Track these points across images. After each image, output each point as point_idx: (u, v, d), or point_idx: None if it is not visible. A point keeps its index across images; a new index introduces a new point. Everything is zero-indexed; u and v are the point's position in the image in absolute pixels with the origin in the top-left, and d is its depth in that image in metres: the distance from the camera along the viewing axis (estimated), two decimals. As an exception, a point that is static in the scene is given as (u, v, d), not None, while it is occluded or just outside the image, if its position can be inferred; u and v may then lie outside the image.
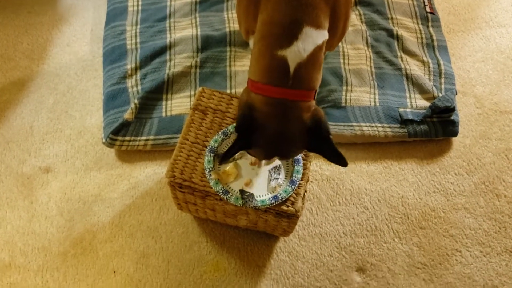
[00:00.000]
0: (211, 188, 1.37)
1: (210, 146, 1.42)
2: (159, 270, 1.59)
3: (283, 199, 1.35)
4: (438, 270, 1.62)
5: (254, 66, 1.20)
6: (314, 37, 1.16)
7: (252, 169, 1.43)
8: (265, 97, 1.15)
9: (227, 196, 1.35)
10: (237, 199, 1.35)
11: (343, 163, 1.15)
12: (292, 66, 1.13)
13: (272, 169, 1.42)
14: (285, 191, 1.36)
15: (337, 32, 1.31)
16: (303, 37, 1.14)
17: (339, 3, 1.24)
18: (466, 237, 1.69)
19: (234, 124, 1.42)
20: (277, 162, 1.44)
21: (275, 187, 1.38)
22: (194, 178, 1.40)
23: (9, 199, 1.71)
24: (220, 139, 1.44)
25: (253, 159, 1.42)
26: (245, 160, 1.44)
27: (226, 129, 1.46)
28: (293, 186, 1.37)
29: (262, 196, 1.38)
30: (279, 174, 1.41)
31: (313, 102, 1.19)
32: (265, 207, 1.35)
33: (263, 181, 1.41)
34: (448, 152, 1.86)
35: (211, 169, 1.39)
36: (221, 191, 1.36)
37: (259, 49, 1.18)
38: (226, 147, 1.45)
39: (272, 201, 1.35)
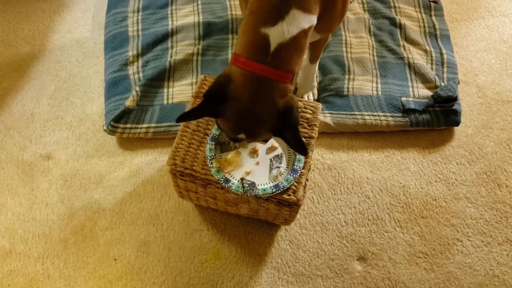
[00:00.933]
0: (212, 176, 1.37)
1: (212, 134, 1.42)
2: (159, 258, 1.59)
3: (285, 188, 1.35)
4: (439, 260, 1.62)
5: (239, 40, 1.19)
6: (300, 21, 1.15)
7: (253, 158, 1.42)
8: (242, 70, 1.14)
9: (228, 185, 1.35)
10: (238, 187, 1.35)
11: (304, 152, 1.15)
12: (273, 45, 1.13)
13: (273, 157, 1.42)
14: (287, 180, 1.36)
15: (335, 14, 1.30)
16: (289, 19, 1.13)
17: None
18: (467, 227, 1.69)
19: None
20: (279, 150, 1.43)
21: (276, 176, 1.38)
22: (196, 166, 1.40)
23: (10, 186, 1.70)
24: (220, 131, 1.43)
25: (252, 147, 1.41)
26: (246, 148, 1.44)
27: None
28: (294, 175, 1.37)
29: (264, 184, 1.38)
30: (280, 162, 1.41)
31: (291, 87, 1.18)
32: (266, 195, 1.34)
33: (264, 170, 1.41)
34: (450, 142, 1.86)
35: (212, 157, 1.38)
36: (222, 179, 1.35)
37: (246, 23, 1.18)
38: (226, 137, 1.44)
39: (274, 189, 1.35)
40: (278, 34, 1.13)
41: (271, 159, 1.42)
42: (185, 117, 1.17)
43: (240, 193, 1.34)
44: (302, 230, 1.65)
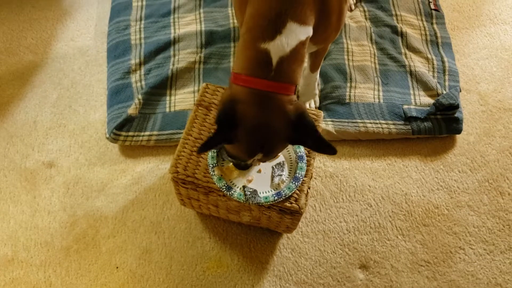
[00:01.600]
0: (214, 184, 1.37)
1: None
2: (161, 265, 1.59)
3: (287, 196, 1.35)
4: (442, 268, 1.62)
5: (238, 58, 1.19)
6: (297, 33, 1.15)
7: (255, 166, 1.43)
8: (247, 89, 1.13)
9: (230, 192, 1.35)
10: (240, 195, 1.35)
11: (332, 151, 1.14)
12: (274, 59, 1.13)
13: (275, 165, 1.42)
14: (289, 188, 1.36)
15: (330, 25, 1.30)
16: (286, 32, 1.14)
17: None
18: (469, 235, 1.68)
19: None
20: (280, 158, 1.43)
21: (278, 184, 1.38)
22: (197, 174, 1.40)
23: (12, 193, 1.71)
24: None
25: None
26: None
27: None
28: (296, 183, 1.37)
29: (266, 192, 1.38)
30: (282, 170, 1.41)
31: (294, 97, 1.18)
32: (268, 203, 1.34)
33: (266, 178, 1.41)
34: (452, 150, 1.85)
35: (214, 165, 1.38)
36: (224, 187, 1.35)
37: (243, 41, 1.18)
38: None
39: (276, 197, 1.35)
40: (278, 48, 1.13)
41: (273, 167, 1.42)
42: (204, 147, 1.15)
43: (242, 201, 1.34)
44: (304, 238, 1.65)
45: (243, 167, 1.35)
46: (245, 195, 1.34)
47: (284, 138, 1.17)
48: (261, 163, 1.42)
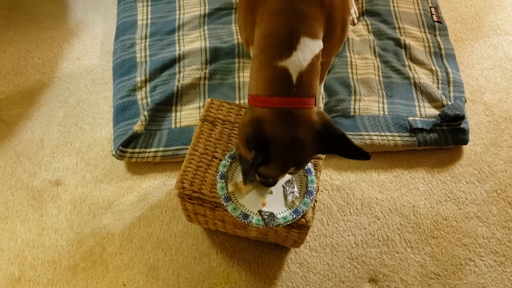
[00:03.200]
0: (221, 199, 1.36)
1: (220, 172, 1.40)
2: (169, 283, 1.58)
3: (304, 212, 1.34)
4: (452, 280, 1.60)
5: (255, 80, 1.19)
6: (311, 47, 1.17)
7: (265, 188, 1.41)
8: (270, 109, 1.14)
9: (247, 220, 1.32)
10: (258, 221, 1.32)
11: (366, 156, 1.14)
12: (294, 75, 1.14)
13: (285, 183, 1.40)
14: (305, 204, 1.35)
15: (334, 38, 1.31)
16: (301, 47, 1.15)
17: (334, 10, 1.24)
18: (479, 246, 1.67)
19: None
20: (288, 175, 1.42)
21: (293, 201, 1.37)
22: (204, 190, 1.40)
23: (20, 212, 1.71)
24: (228, 164, 1.42)
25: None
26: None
27: (231, 152, 1.44)
28: (311, 197, 1.36)
29: (282, 212, 1.36)
30: (294, 187, 1.39)
31: (315, 108, 1.19)
32: (288, 223, 1.33)
33: (279, 198, 1.40)
34: (459, 160, 1.85)
35: (226, 195, 1.36)
36: (241, 215, 1.33)
37: (258, 61, 1.18)
38: (235, 170, 1.43)
39: (294, 216, 1.33)
40: (296, 64, 1.14)
41: (283, 186, 1.41)
42: (248, 175, 1.15)
43: (262, 226, 1.32)
44: (312, 253, 1.64)
45: (271, 184, 1.33)
46: (264, 219, 1.32)
47: (314, 149, 1.18)
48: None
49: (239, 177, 1.41)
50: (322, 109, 1.87)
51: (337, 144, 1.15)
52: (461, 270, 1.62)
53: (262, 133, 1.13)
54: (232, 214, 1.33)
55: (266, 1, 1.19)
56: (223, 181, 1.38)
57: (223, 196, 1.35)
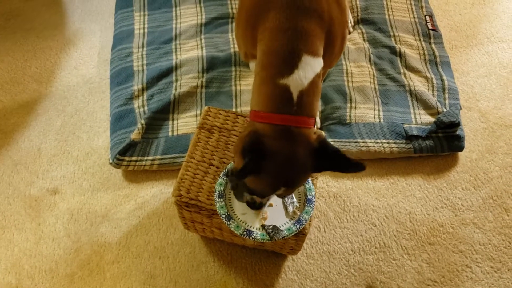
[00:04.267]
0: (222, 219, 1.35)
1: (218, 192, 1.39)
2: (166, 290, 1.58)
3: (307, 221, 1.34)
4: (449, 287, 1.60)
5: (256, 96, 1.20)
6: (312, 65, 1.17)
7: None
8: (270, 125, 1.14)
9: (252, 236, 1.32)
10: (263, 235, 1.32)
11: (361, 167, 1.13)
12: (295, 94, 1.15)
13: None
14: (306, 212, 1.35)
15: (334, 51, 1.33)
16: (302, 65, 1.15)
17: (334, 25, 1.25)
18: (476, 253, 1.67)
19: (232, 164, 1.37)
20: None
21: (294, 211, 1.37)
22: (201, 197, 1.40)
23: (17, 221, 1.71)
24: (224, 182, 1.41)
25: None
26: None
27: (226, 170, 1.43)
28: (311, 205, 1.36)
29: (285, 224, 1.36)
30: (293, 198, 1.39)
31: (314, 129, 1.19)
32: (293, 234, 1.33)
33: (279, 210, 1.39)
34: (455, 167, 1.86)
35: (226, 214, 1.35)
36: (245, 232, 1.33)
37: (260, 79, 1.19)
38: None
39: (298, 226, 1.33)
40: (297, 82, 1.15)
41: (283, 198, 1.41)
42: (241, 176, 1.14)
43: (267, 241, 1.32)
44: (309, 260, 1.64)
45: (257, 207, 1.31)
46: (268, 234, 1.32)
47: (309, 168, 1.17)
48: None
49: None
50: (318, 117, 1.88)
51: (333, 160, 1.14)
52: (458, 277, 1.62)
53: (259, 143, 1.14)
54: (236, 232, 1.33)
55: (268, 19, 1.20)
56: (221, 200, 1.38)
57: (224, 215, 1.35)
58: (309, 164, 1.16)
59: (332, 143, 1.77)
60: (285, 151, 1.14)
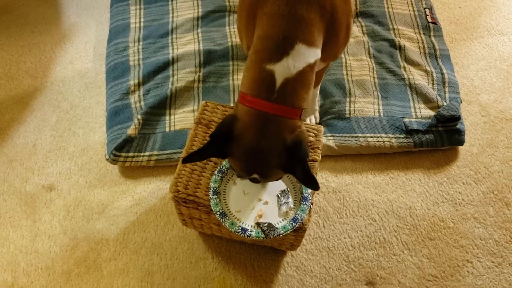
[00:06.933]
0: (217, 216, 1.33)
1: (212, 188, 1.36)
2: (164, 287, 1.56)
3: (303, 218, 1.32)
4: (450, 282, 1.59)
5: (244, 78, 1.19)
6: (305, 55, 1.14)
7: (258, 200, 1.39)
8: (250, 109, 1.13)
9: (247, 234, 1.30)
10: (258, 233, 1.30)
11: (314, 186, 1.12)
12: (279, 81, 1.12)
13: (280, 193, 1.38)
14: (302, 210, 1.33)
15: (338, 42, 1.29)
16: (294, 53, 1.12)
17: (337, 14, 1.22)
18: (476, 248, 1.66)
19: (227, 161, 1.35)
20: (283, 185, 1.40)
21: (286, 212, 1.35)
22: (199, 193, 1.38)
23: (12, 218, 1.69)
24: (219, 179, 1.39)
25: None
26: (251, 188, 1.41)
27: (221, 167, 1.41)
28: (307, 203, 1.34)
29: (280, 222, 1.34)
30: (288, 198, 1.37)
31: (299, 123, 1.16)
32: (288, 232, 1.30)
33: (274, 208, 1.37)
34: (455, 161, 1.84)
35: (221, 211, 1.33)
36: (240, 230, 1.30)
37: (250, 62, 1.17)
38: (226, 184, 1.40)
39: (293, 224, 1.31)
40: (283, 69, 1.12)
41: (278, 196, 1.38)
42: (191, 157, 1.15)
43: (262, 238, 1.29)
44: (308, 256, 1.62)
45: (253, 180, 1.28)
46: (263, 231, 1.29)
47: (278, 165, 1.15)
48: (266, 193, 1.39)
49: (235, 198, 1.39)
50: (317, 111, 1.86)
51: (297, 166, 1.12)
52: (459, 272, 1.61)
53: (228, 126, 1.14)
54: (230, 229, 1.30)
55: (266, 4, 1.17)
56: (216, 197, 1.35)
57: (219, 212, 1.32)
58: (278, 160, 1.14)
59: (331, 138, 1.77)
60: (254, 140, 1.12)
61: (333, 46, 1.27)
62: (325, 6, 1.17)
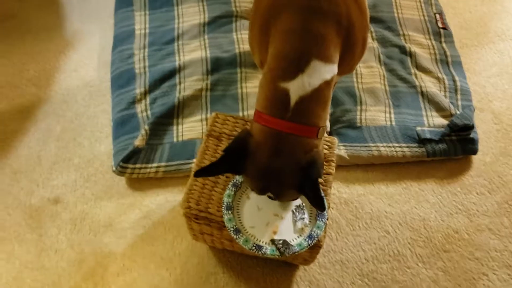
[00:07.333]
0: (230, 232, 1.29)
1: (226, 203, 1.33)
2: (174, 303, 1.53)
3: (319, 236, 1.28)
4: (466, 296, 1.56)
5: (258, 96, 1.16)
6: (321, 72, 1.11)
7: (273, 215, 1.35)
8: (264, 127, 1.10)
9: (262, 251, 1.26)
10: (273, 251, 1.26)
11: (322, 208, 1.09)
12: (293, 99, 1.09)
13: (295, 208, 1.35)
14: (318, 227, 1.29)
15: (354, 57, 1.26)
16: (309, 71, 1.09)
17: (353, 30, 1.18)
18: (492, 260, 1.62)
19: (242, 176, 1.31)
20: (298, 200, 1.36)
21: (302, 228, 1.31)
22: (211, 209, 1.35)
23: (17, 232, 1.65)
24: (232, 193, 1.35)
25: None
26: (265, 203, 1.37)
27: (235, 180, 1.37)
28: (323, 219, 1.30)
29: (295, 239, 1.30)
30: (303, 213, 1.33)
31: (317, 142, 1.12)
32: (303, 249, 1.26)
33: (289, 224, 1.33)
34: (469, 171, 1.80)
35: (235, 227, 1.29)
36: (254, 247, 1.27)
37: (264, 80, 1.14)
38: (240, 198, 1.37)
39: (309, 241, 1.27)
40: (298, 87, 1.08)
41: (293, 211, 1.34)
42: (204, 172, 1.11)
43: (277, 256, 1.26)
44: (321, 270, 1.59)
45: (270, 197, 1.24)
46: (278, 249, 1.25)
47: (291, 185, 1.12)
48: (281, 208, 1.35)
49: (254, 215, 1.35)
50: (328, 120, 1.82)
51: (308, 186, 1.09)
52: (475, 285, 1.57)
53: (242, 142, 1.11)
54: (244, 246, 1.27)
55: (281, 20, 1.14)
56: (229, 212, 1.31)
57: (232, 229, 1.29)
58: (291, 180, 1.10)
59: (343, 148, 1.73)
60: (266, 158, 1.09)
61: (348, 61, 1.24)
62: (341, 22, 1.13)
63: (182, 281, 1.56)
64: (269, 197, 1.21)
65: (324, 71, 1.11)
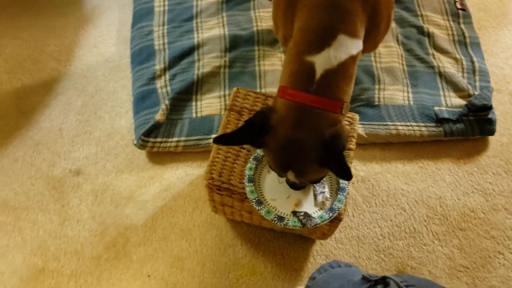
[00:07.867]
0: (252, 204, 1.31)
1: (247, 176, 1.35)
2: (194, 273, 1.56)
3: (340, 209, 1.30)
4: (481, 273, 1.57)
5: (283, 71, 1.16)
6: (348, 46, 1.11)
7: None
8: (288, 101, 1.09)
9: (283, 222, 1.28)
10: (295, 222, 1.27)
11: (348, 177, 1.07)
12: (318, 72, 1.09)
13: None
14: (339, 201, 1.31)
15: (378, 34, 1.27)
16: (336, 44, 1.09)
17: (379, 6, 1.19)
18: (508, 239, 1.64)
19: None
20: None
21: (323, 202, 1.33)
22: (233, 181, 1.37)
23: (40, 202, 1.68)
24: (254, 166, 1.37)
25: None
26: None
27: (256, 154, 1.39)
28: (344, 193, 1.32)
29: (316, 212, 1.32)
30: (324, 187, 1.35)
31: (340, 117, 1.11)
32: (325, 222, 1.28)
33: (310, 197, 1.35)
34: (485, 151, 1.81)
35: (257, 199, 1.31)
36: (276, 218, 1.28)
37: (289, 55, 1.14)
38: (261, 172, 1.38)
39: (330, 214, 1.29)
40: (324, 60, 1.09)
41: (314, 185, 1.37)
42: (223, 139, 1.11)
43: (299, 228, 1.27)
44: (338, 245, 1.61)
45: (293, 187, 1.27)
46: (300, 221, 1.27)
47: (314, 159, 1.10)
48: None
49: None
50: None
51: (332, 159, 1.07)
52: (490, 263, 1.60)
53: (264, 116, 1.11)
54: (266, 218, 1.28)
55: None
56: (251, 184, 1.33)
57: (254, 200, 1.31)
58: (314, 153, 1.09)
59: (360, 126, 1.75)
60: (288, 131, 1.09)
61: (373, 37, 1.25)
62: None
63: (202, 251, 1.59)
64: (293, 185, 1.23)
65: (350, 46, 1.12)
